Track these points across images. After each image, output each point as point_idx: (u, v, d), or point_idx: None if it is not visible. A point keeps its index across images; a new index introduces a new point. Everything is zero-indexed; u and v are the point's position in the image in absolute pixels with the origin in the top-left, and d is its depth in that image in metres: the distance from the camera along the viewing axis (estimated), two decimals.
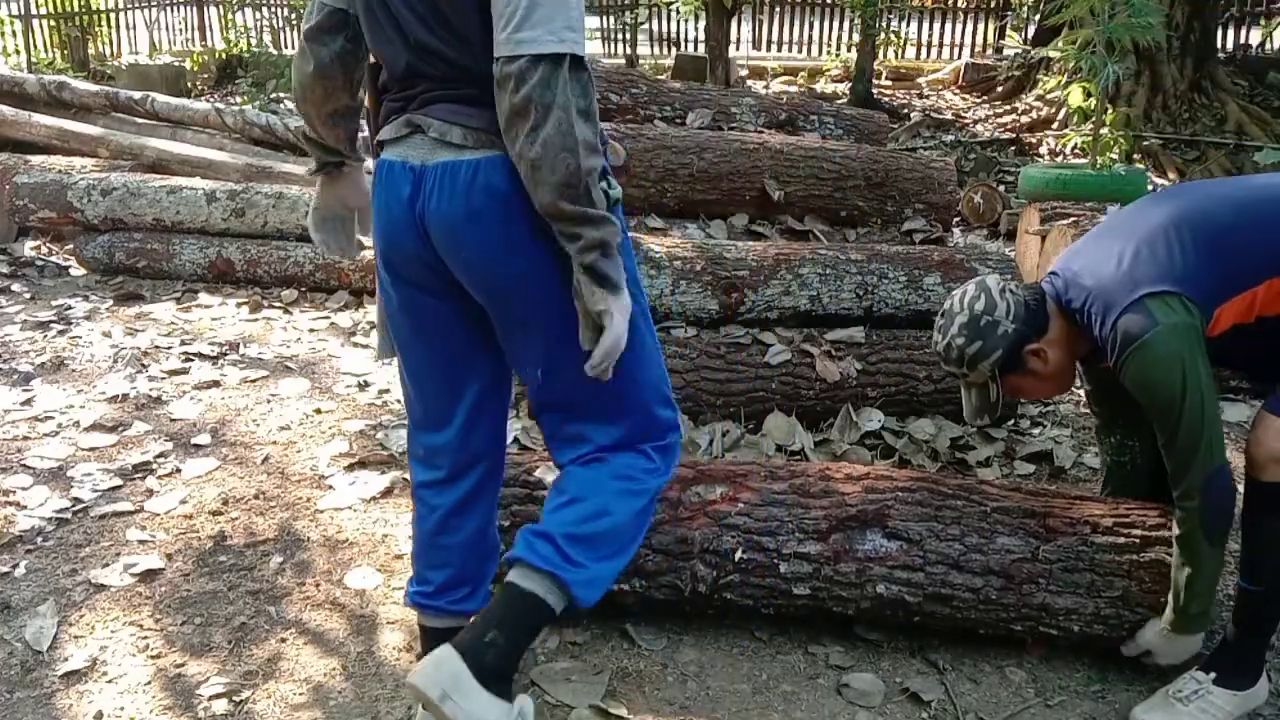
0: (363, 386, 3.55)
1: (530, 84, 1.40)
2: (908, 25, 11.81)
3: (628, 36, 11.92)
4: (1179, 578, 1.92)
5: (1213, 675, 1.95)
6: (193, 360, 3.74)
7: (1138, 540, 2.07)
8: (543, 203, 1.47)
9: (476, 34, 1.48)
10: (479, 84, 1.50)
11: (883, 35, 10.51)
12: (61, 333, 4.02)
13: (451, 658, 1.58)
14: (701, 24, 11.02)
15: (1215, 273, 1.85)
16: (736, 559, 2.10)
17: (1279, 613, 1.95)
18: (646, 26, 12.06)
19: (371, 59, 1.67)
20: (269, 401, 3.42)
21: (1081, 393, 3.53)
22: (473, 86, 1.52)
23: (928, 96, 10.37)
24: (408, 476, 2.86)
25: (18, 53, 9.83)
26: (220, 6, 12.33)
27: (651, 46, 12.33)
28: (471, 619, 1.71)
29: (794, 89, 10.51)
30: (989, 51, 11.94)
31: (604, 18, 12.05)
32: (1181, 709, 1.93)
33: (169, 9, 12.24)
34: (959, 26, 12.40)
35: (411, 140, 1.58)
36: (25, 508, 2.68)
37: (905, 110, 9.30)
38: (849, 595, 2.10)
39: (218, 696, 2.00)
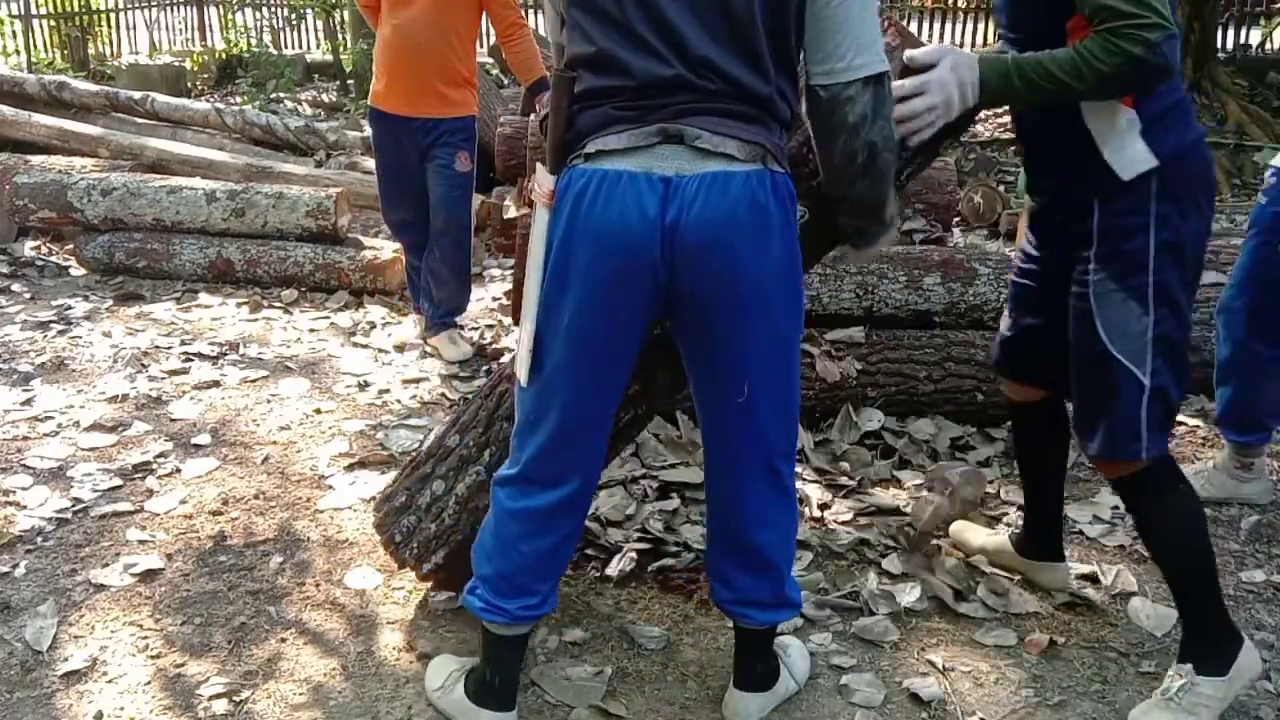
0: (363, 386, 3.55)
1: (864, 101, 1.57)
2: (908, 25, 11.81)
3: None
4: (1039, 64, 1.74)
5: (1190, 665, 1.92)
6: (193, 360, 3.74)
7: None
8: (858, 192, 1.67)
9: (768, 57, 1.59)
10: (755, 102, 1.60)
11: None
12: (61, 333, 4.02)
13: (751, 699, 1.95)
14: None
15: None
16: None
17: (1208, 584, 1.94)
18: None
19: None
20: (269, 401, 3.42)
21: None
22: (749, 104, 1.60)
23: None
24: None
25: (18, 53, 9.83)
26: (220, 6, 12.32)
27: None
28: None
29: None
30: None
31: None
32: (1176, 707, 1.91)
33: (169, 9, 12.24)
34: (959, 26, 12.40)
35: (658, 150, 1.58)
36: (25, 508, 2.68)
37: None
38: None
39: (218, 696, 2.00)
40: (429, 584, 2.30)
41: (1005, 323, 2.21)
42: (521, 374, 1.75)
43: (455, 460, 2.14)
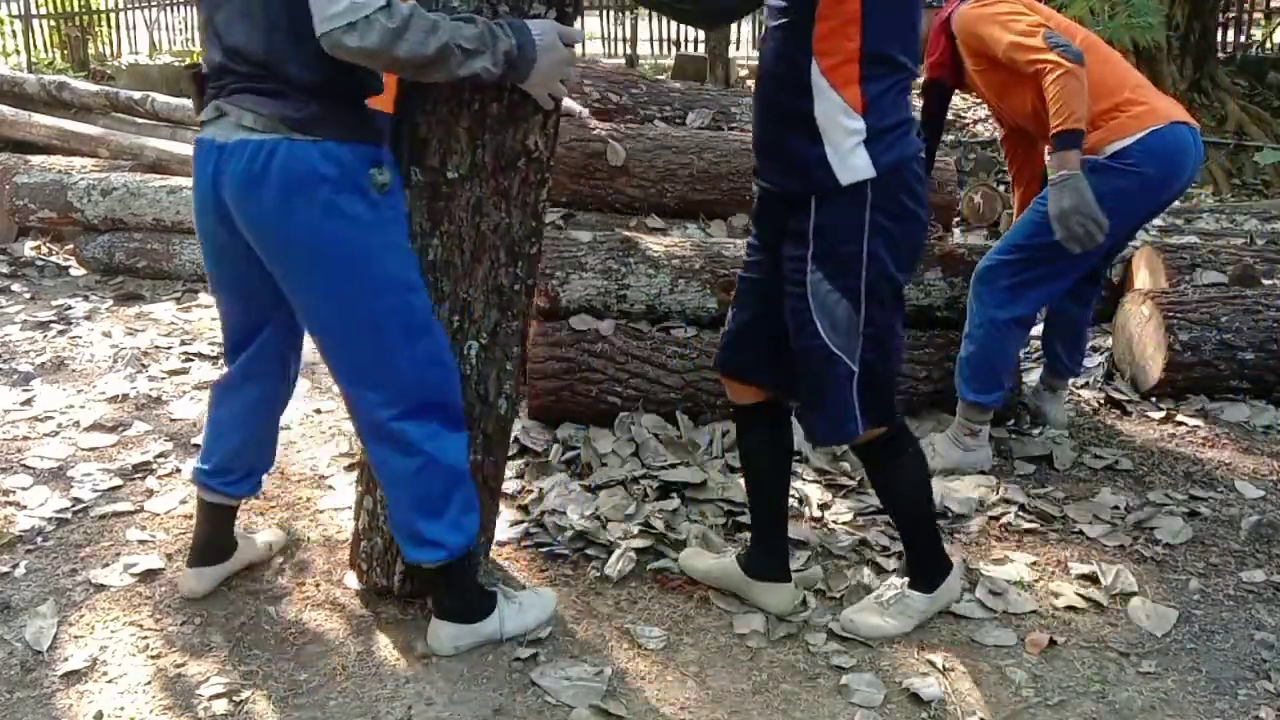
0: None
1: (354, 44, 1.71)
2: None
3: (628, 36, 11.91)
4: None
5: (906, 580, 2.23)
6: (193, 360, 3.74)
7: None
8: (428, 79, 1.84)
9: (286, 36, 1.80)
10: (281, 79, 1.83)
11: None
12: (61, 333, 4.02)
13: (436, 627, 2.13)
14: None
15: None
16: None
17: (929, 524, 2.24)
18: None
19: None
20: None
21: (1082, 393, 3.53)
22: (275, 81, 1.83)
23: None
24: None
25: (18, 53, 9.83)
26: None
27: (651, 46, 12.33)
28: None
29: None
30: None
31: (604, 17, 12.04)
32: (885, 611, 2.21)
33: (169, 9, 12.24)
34: None
35: (219, 122, 1.90)
36: (25, 508, 2.68)
37: None
38: None
39: (218, 696, 2.00)
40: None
41: (729, 319, 2.25)
42: None
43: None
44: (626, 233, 3.38)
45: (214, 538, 2.30)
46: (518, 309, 2.17)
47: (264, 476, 2.38)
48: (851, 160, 1.88)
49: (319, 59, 1.77)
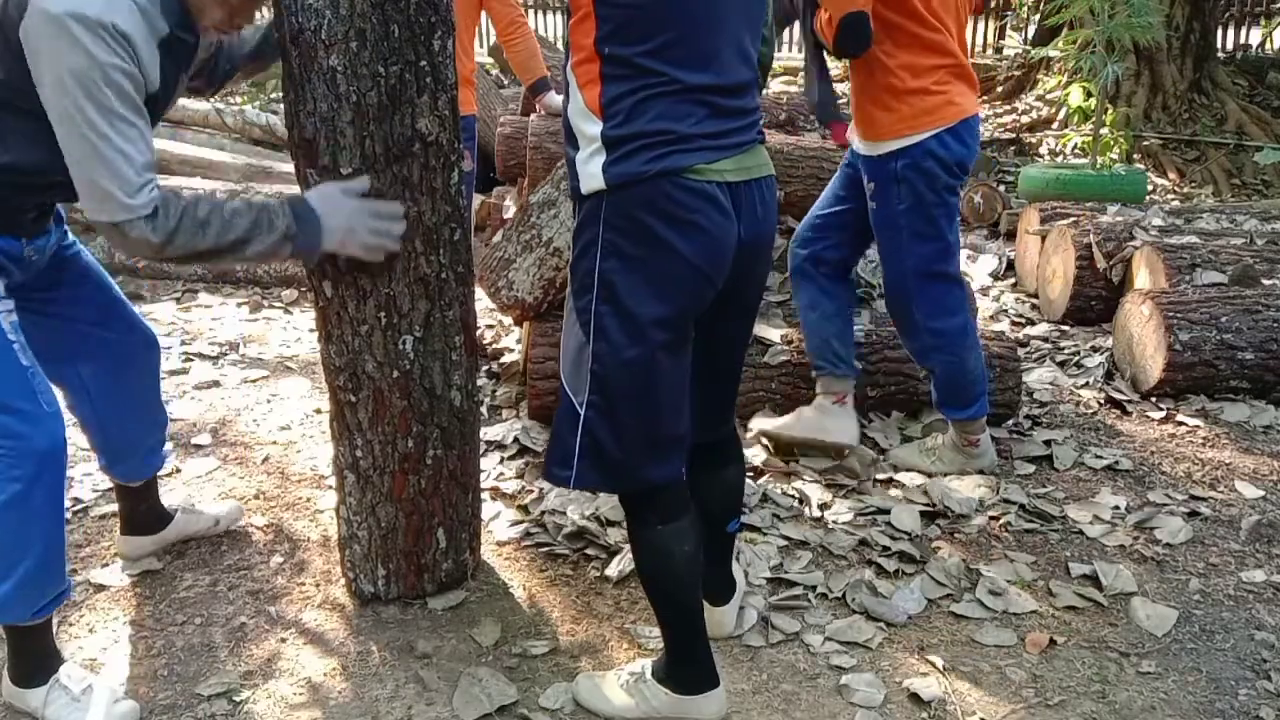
0: None
1: (126, 244, 1.90)
2: None
3: None
4: None
5: (651, 664, 1.96)
6: (193, 360, 3.74)
7: None
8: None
9: None
10: None
11: None
12: None
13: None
14: None
15: None
16: None
17: (676, 616, 1.87)
18: None
19: None
20: (269, 401, 3.42)
21: (1082, 393, 3.53)
22: None
23: None
24: None
25: None
26: None
27: None
28: None
29: (794, 89, 10.51)
30: (989, 51, 11.93)
31: None
32: (629, 689, 1.95)
33: None
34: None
35: None
36: None
37: None
38: None
39: (217, 696, 2.00)
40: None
41: None
42: None
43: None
44: (520, 204, 3.32)
45: (133, 512, 2.44)
46: (450, 297, 2.11)
47: (161, 454, 2.46)
48: (588, 167, 1.69)
49: None
